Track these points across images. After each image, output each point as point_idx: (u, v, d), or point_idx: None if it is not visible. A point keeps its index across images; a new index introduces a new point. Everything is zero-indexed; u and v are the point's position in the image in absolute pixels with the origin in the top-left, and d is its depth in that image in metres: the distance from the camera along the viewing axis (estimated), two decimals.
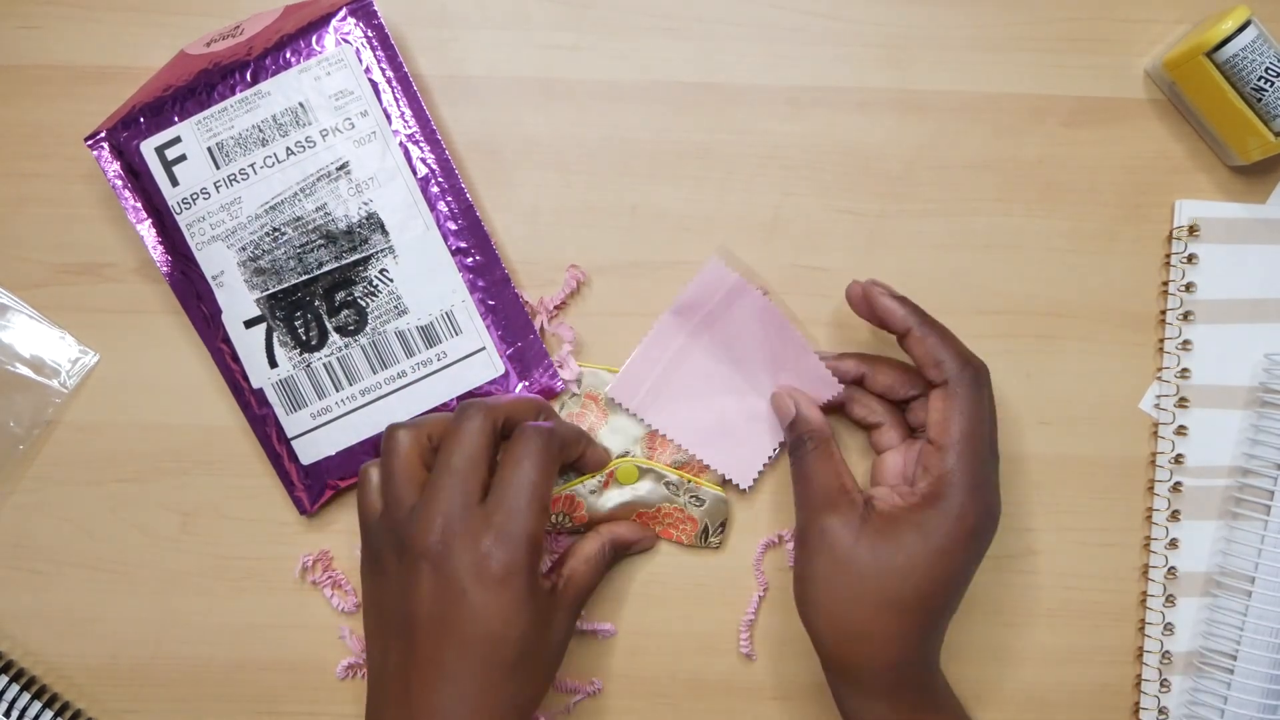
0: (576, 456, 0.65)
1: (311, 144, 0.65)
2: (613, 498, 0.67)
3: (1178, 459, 0.69)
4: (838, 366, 0.65)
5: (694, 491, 0.67)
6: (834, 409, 0.66)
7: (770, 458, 0.67)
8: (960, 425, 0.59)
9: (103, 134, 0.66)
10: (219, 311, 0.66)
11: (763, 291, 0.66)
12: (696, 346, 0.67)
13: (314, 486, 0.67)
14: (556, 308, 0.69)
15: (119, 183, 0.66)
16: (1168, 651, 0.69)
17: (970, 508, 0.58)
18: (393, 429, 0.59)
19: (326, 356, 0.66)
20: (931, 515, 0.58)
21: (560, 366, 0.68)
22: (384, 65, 0.65)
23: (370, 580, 0.60)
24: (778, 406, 0.65)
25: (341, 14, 0.65)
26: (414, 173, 0.66)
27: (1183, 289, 0.69)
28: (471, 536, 0.56)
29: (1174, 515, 0.69)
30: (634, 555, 0.69)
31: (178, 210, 0.65)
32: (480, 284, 0.67)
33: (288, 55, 0.65)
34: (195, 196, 0.65)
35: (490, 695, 0.56)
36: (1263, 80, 0.64)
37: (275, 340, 0.66)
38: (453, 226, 0.66)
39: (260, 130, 0.65)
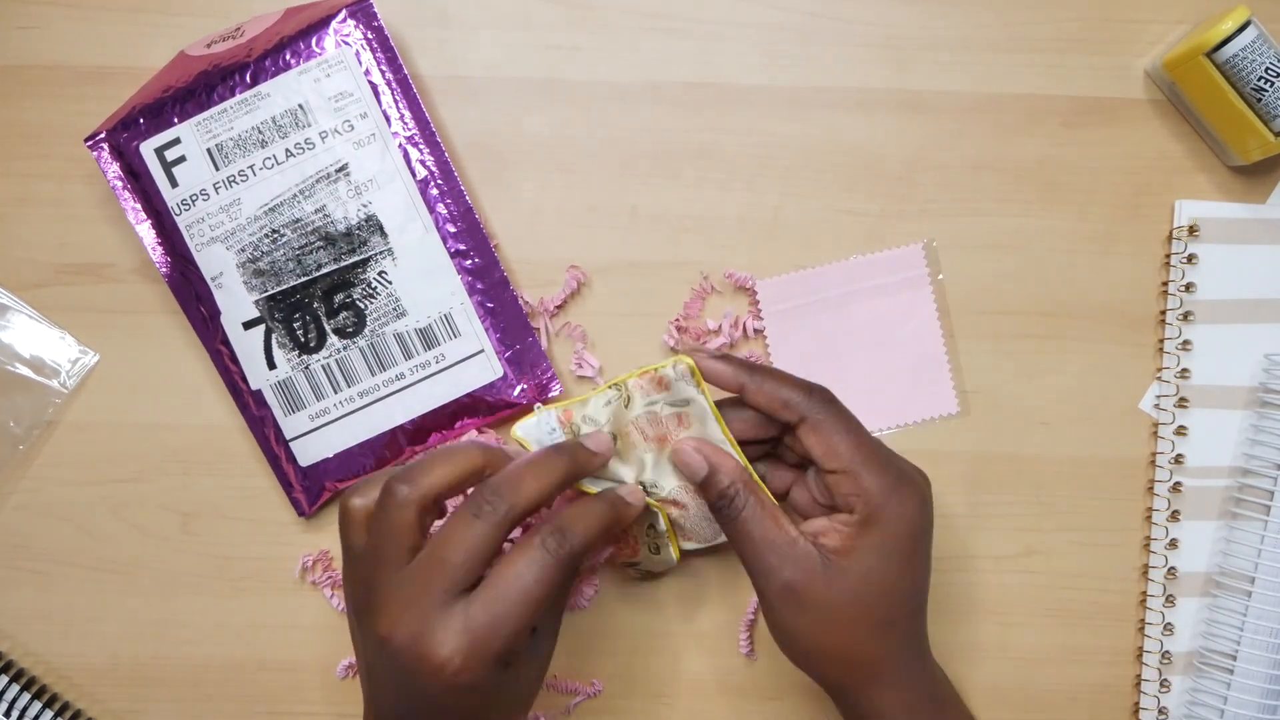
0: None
1: (311, 146, 0.65)
2: None
3: (1178, 459, 0.69)
4: (708, 365, 0.60)
5: (658, 542, 0.64)
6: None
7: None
8: (846, 444, 0.57)
9: (102, 135, 0.66)
10: (218, 313, 0.66)
11: (932, 301, 0.69)
12: (849, 305, 0.69)
13: (312, 488, 0.68)
14: (557, 308, 0.69)
15: (118, 184, 0.66)
16: (1168, 651, 0.69)
17: (908, 506, 0.57)
18: (391, 484, 0.55)
19: (325, 358, 0.66)
20: (879, 533, 0.57)
21: (579, 365, 0.68)
22: (383, 67, 0.65)
23: (349, 598, 0.58)
24: (685, 462, 0.59)
25: (341, 16, 0.65)
26: (413, 175, 0.66)
27: (1183, 289, 0.69)
28: (436, 641, 0.52)
29: (1174, 515, 0.69)
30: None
31: (177, 211, 0.65)
32: (479, 286, 0.67)
33: (287, 57, 0.65)
34: (195, 198, 0.65)
35: None
36: (1263, 80, 0.63)
37: (274, 342, 0.66)
38: (452, 229, 0.66)
39: (260, 132, 0.65)
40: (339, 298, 0.66)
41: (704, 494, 0.59)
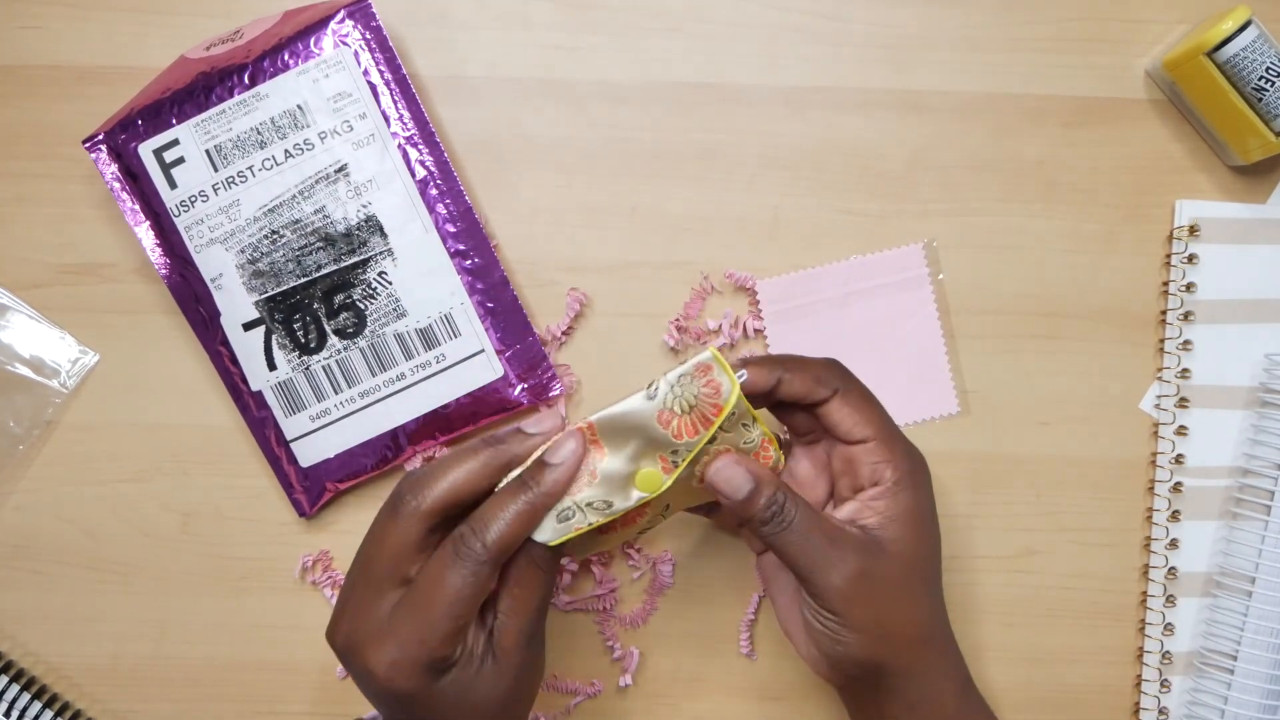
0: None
1: (310, 146, 0.65)
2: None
3: (1178, 459, 0.69)
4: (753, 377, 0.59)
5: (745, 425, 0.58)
6: None
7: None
8: (875, 411, 0.59)
9: (101, 136, 0.66)
10: (218, 314, 0.66)
11: (933, 301, 0.69)
12: (849, 305, 0.69)
13: (313, 489, 0.68)
14: (564, 333, 0.69)
15: (117, 185, 0.66)
16: (1168, 652, 0.69)
17: (925, 469, 0.60)
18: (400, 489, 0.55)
19: (325, 359, 0.66)
20: (909, 497, 0.58)
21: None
22: (382, 67, 0.65)
23: None
24: (726, 479, 0.57)
25: (340, 16, 0.65)
26: (413, 175, 0.66)
27: (1183, 289, 0.69)
28: (370, 649, 0.53)
29: (1174, 515, 0.69)
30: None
31: (176, 213, 0.65)
32: (479, 286, 0.67)
33: (286, 58, 0.65)
34: (194, 199, 0.65)
35: None
36: (1263, 80, 0.63)
37: (274, 343, 0.66)
38: (451, 229, 0.66)
39: (259, 133, 0.65)
40: (339, 298, 0.66)
41: (743, 512, 0.57)
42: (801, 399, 0.59)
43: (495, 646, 0.54)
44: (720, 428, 0.56)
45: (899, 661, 0.58)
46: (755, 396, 0.59)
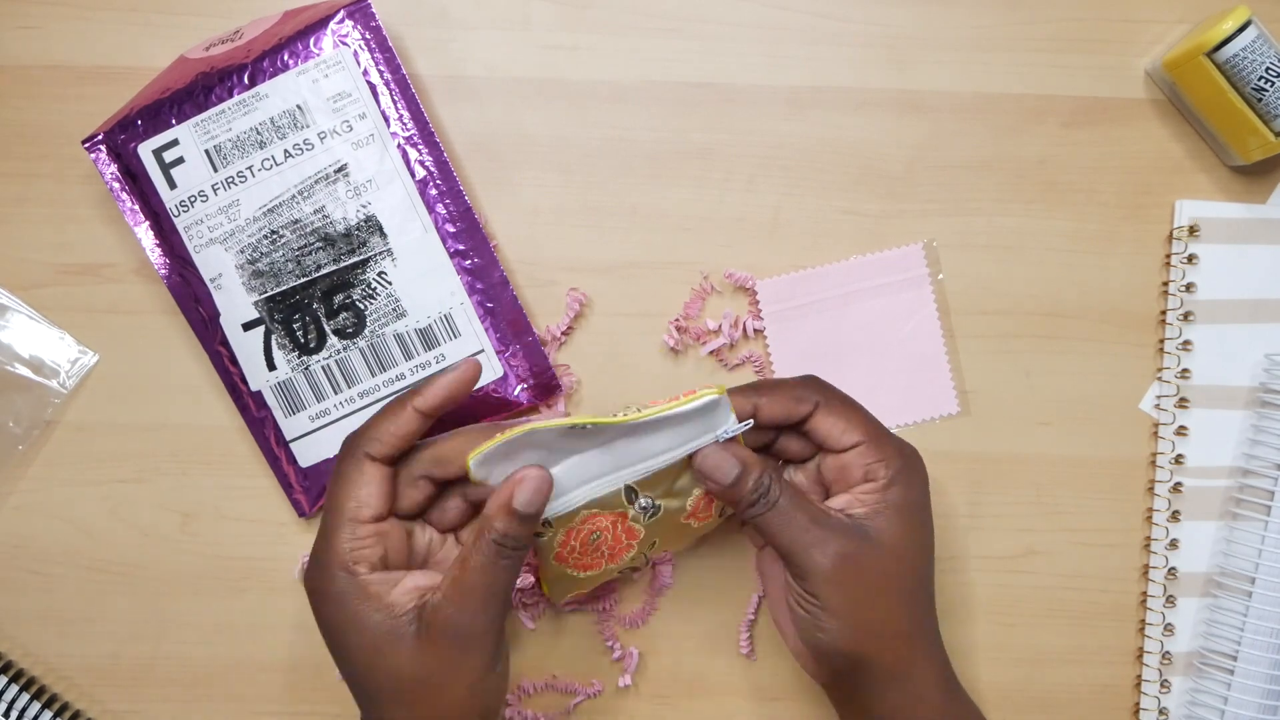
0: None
1: (310, 146, 0.65)
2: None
3: (1178, 459, 0.69)
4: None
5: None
6: None
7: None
8: (858, 417, 0.60)
9: (100, 136, 0.66)
10: (217, 314, 0.66)
11: (933, 301, 0.69)
12: (849, 305, 0.69)
13: (312, 489, 0.68)
14: (563, 333, 0.69)
15: (116, 185, 0.66)
16: (1168, 652, 0.69)
17: (919, 467, 0.60)
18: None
19: (325, 359, 0.66)
20: (901, 493, 0.59)
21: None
22: (382, 67, 0.65)
23: None
24: (714, 466, 0.58)
25: (339, 16, 0.65)
26: (412, 175, 0.66)
27: (1183, 289, 0.69)
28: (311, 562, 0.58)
29: (1174, 516, 0.69)
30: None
31: (176, 213, 0.65)
32: (479, 286, 0.67)
33: (285, 58, 0.65)
34: (193, 199, 0.65)
35: (370, 714, 0.57)
36: (1263, 80, 0.63)
37: (274, 343, 0.66)
38: (451, 229, 0.66)
39: (258, 133, 0.65)
40: (338, 298, 0.66)
41: (730, 496, 0.58)
42: (783, 420, 0.60)
43: (424, 614, 0.55)
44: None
45: (881, 657, 0.58)
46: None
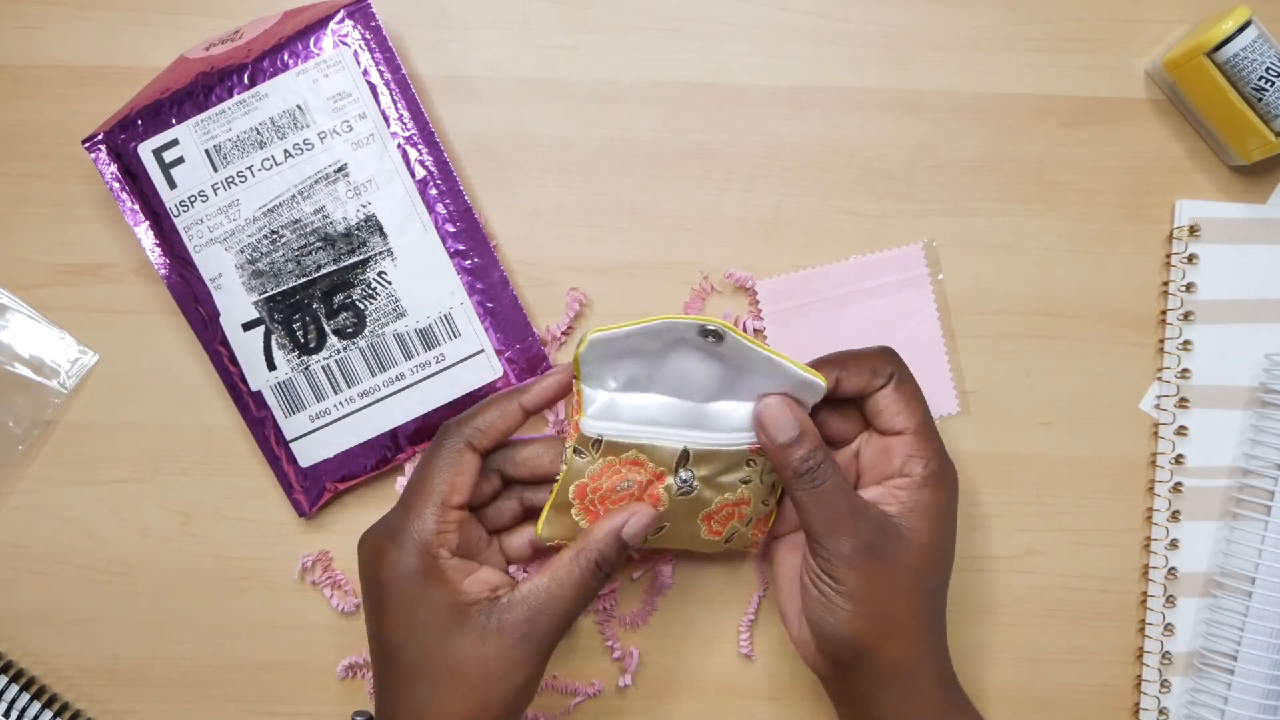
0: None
1: (310, 146, 0.65)
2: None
3: (1178, 459, 0.69)
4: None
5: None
6: None
7: None
8: (918, 407, 0.60)
9: (100, 136, 0.66)
10: (217, 314, 0.66)
11: (933, 301, 0.69)
12: (848, 305, 0.69)
13: (312, 489, 0.68)
14: (563, 333, 0.69)
15: (116, 185, 0.66)
16: (1168, 652, 0.69)
17: (953, 472, 0.61)
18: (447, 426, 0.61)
19: (325, 359, 0.66)
20: (933, 495, 0.59)
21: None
22: (382, 67, 0.65)
23: None
24: (774, 418, 0.58)
25: (339, 16, 0.65)
26: (412, 175, 0.66)
27: (1183, 289, 0.69)
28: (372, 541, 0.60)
29: (1174, 516, 0.69)
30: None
31: (176, 213, 0.65)
32: (479, 286, 0.66)
33: (285, 57, 0.65)
34: (193, 199, 0.65)
35: (390, 702, 0.58)
36: (1263, 80, 0.63)
37: (274, 343, 0.66)
38: (451, 229, 0.66)
39: (258, 133, 0.65)
40: (338, 298, 0.66)
41: (779, 455, 0.58)
42: (860, 392, 0.61)
43: (497, 608, 0.57)
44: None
45: (887, 652, 0.58)
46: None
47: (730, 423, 0.59)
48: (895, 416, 0.60)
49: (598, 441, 0.59)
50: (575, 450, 0.59)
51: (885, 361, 0.61)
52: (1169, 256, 0.69)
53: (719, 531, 0.62)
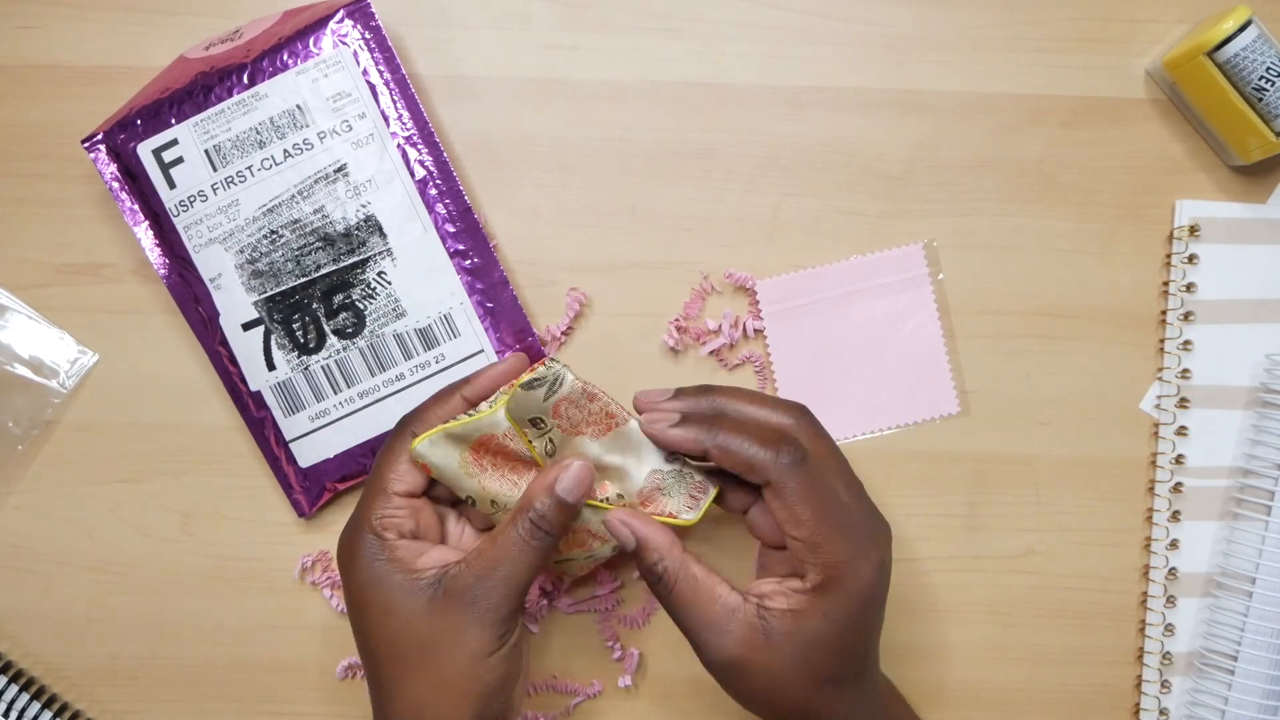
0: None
1: (309, 146, 0.65)
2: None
3: (1178, 459, 0.69)
4: (667, 436, 0.59)
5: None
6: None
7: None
8: (809, 513, 0.55)
9: (99, 136, 0.66)
10: (217, 314, 0.66)
11: (933, 301, 0.69)
12: (848, 305, 0.69)
13: (312, 489, 0.68)
14: (563, 333, 0.69)
15: (116, 185, 0.66)
16: (1168, 652, 0.69)
17: (863, 575, 0.55)
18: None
19: (324, 359, 0.66)
20: (829, 600, 0.55)
21: None
22: (381, 67, 0.65)
23: None
24: (616, 532, 0.58)
25: (339, 16, 0.65)
26: (412, 175, 0.66)
27: (1183, 289, 0.68)
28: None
29: (1174, 516, 0.69)
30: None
31: (175, 213, 0.65)
32: (478, 286, 0.66)
33: (285, 57, 0.65)
34: (193, 199, 0.65)
35: (374, 693, 0.58)
36: (1263, 80, 0.63)
37: (273, 343, 0.66)
38: (451, 228, 0.66)
39: (258, 133, 0.65)
40: (338, 298, 0.66)
41: (636, 562, 0.58)
42: (736, 474, 0.57)
43: (444, 580, 0.57)
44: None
45: None
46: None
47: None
48: (782, 523, 0.56)
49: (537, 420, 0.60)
50: (509, 407, 0.59)
51: (771, 456, 0.55)
52: (1169, 256, 0.69)
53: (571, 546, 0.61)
